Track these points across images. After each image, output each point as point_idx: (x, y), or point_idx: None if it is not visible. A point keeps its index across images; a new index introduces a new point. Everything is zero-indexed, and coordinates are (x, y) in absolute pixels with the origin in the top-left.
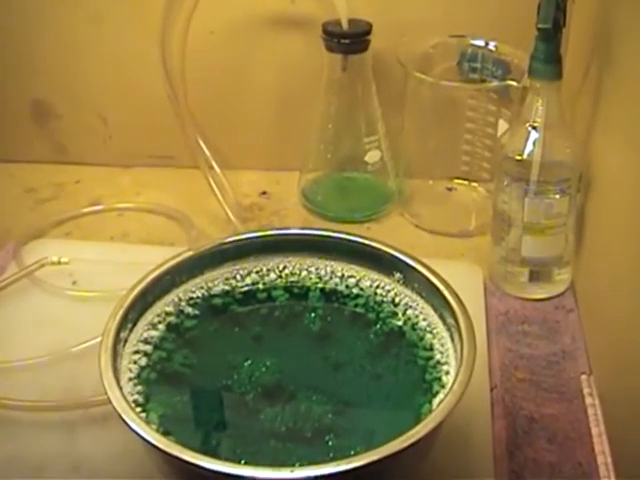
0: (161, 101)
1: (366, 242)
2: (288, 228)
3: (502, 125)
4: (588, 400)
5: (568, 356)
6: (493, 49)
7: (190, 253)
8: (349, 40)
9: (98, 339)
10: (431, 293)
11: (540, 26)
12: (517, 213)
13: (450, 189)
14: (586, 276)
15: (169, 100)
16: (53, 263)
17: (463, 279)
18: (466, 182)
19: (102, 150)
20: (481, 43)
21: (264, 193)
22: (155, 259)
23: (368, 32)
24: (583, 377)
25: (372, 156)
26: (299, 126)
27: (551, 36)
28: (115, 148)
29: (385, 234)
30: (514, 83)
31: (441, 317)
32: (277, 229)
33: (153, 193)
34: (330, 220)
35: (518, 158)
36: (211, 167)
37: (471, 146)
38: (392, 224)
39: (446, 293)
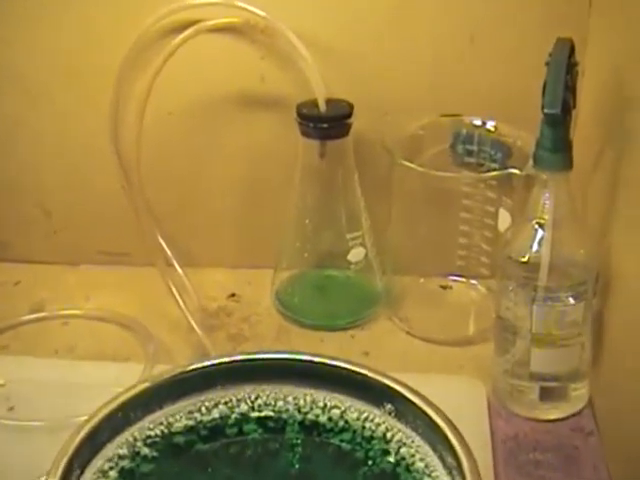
0: (113, 191)
1: (351, 367)
2: (260, 352)
3: (503, 215)
4: None
5: None
6: (491, 129)
7: (147, 384)
8: (327, 124)
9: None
10: (429, 429)
11: (547, 111)
12: (524, 321)
13: (444, 287)
14: (606, 391)
15: (122, 190)
16: None
17: (463, 398)
18: (463, 279)
19: (45, 246)
20: (477, 122)
21: (233, 295)
22: (107, 379)
23: (349, 115)
24: None
25: (355, 254)
26: (272, 219)
27: (559, 121)
28: (60, 244)
29: (371, 343)
30: (516, 171)
31: (441, 458)
32: (247, 353)
33: (104, 296)
34: (308, 327)
35: (523, 260)
36: (171, 265)
37: (468, 239)
38: (379, 330)
39: (447, 430)
